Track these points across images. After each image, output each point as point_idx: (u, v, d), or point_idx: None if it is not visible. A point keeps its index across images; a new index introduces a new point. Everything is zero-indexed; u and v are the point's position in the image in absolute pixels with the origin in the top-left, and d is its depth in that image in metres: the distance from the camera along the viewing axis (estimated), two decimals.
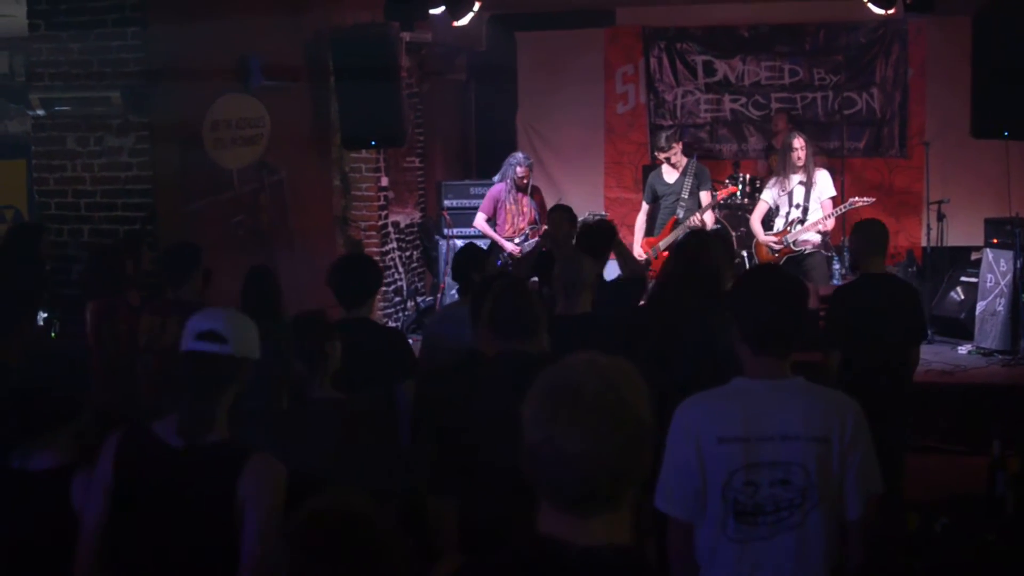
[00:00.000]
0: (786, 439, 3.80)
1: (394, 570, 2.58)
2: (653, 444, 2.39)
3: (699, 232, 8.18)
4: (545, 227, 11.29)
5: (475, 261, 7.46)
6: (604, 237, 8.15)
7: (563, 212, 9.19)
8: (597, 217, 12.52)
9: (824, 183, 10.77)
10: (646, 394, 2.38)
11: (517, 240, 11.40)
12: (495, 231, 11.52)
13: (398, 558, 2.59)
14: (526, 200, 11.44)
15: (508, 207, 11.47)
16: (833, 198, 10.77)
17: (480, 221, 11.63)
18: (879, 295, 7.13)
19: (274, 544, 2.56)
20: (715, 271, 6.35)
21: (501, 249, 11.44)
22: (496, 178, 12.14)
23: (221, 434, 3.79)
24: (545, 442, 2.31)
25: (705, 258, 6.37)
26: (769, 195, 11.00)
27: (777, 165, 11.19)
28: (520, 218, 11.45)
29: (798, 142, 10.67)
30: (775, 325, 3.91)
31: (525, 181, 11.38)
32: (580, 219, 9.92)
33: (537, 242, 11.19)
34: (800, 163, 10.67)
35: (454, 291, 12.39)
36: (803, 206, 10.71)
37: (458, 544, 4.85)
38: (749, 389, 3.91)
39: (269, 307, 6.89)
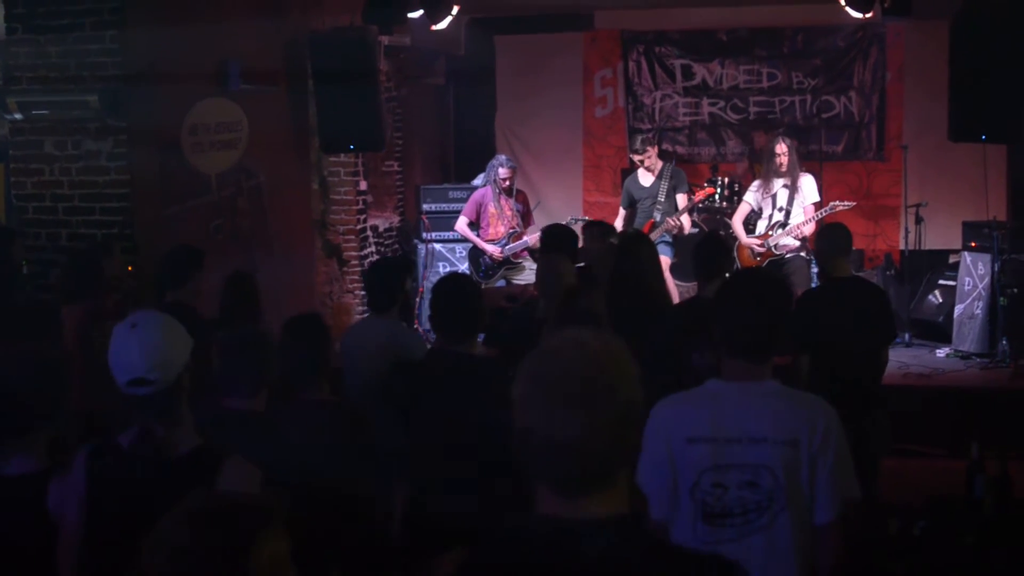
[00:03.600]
0: (754, 441, 3.82)
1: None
2: (643, 422, 2.39)
3: (625, 234, 8.20)
4: (524, 232, 11.34)
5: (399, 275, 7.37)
6: (570, 237, 8.09)
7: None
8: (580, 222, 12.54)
9: (809, 189, 10.82)
10: (634, 372, 2.37)
11: (500, 243, 11.41)
12: (478, 235, 11.54)
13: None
14: (509, 204, 11.46)
15: (491, 211, 11.49)
16: (816, 204, 10.81)
17: (462, 225, 11.64)
18: (845, 299, 7.13)
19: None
20: (641, 272, 6.40)
21: (483, 252, 11.48)
22: (478, 181, 12.16)
23: (192, 442, 3.77)
24: (537, 427, 2.30)
25: (628, 260, 6.43)
26: (752, 197, 11.06)
27: (762, 169, 11.24)
28: (503, 221, 11.45)
29: (780, 148, 10.72)
30: (749, 329, 3.93)
31: (508, 183, 11.41)
32: (566, 223, 9.93)
33: (519, 244, 11.23)
34: (783, 168, 10.72)
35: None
36: (786, 209, 10.75)
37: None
38: (721, 392, 3.95)
39: (249, 311, 6.89)
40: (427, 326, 12.13)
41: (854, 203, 11.25)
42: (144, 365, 3.71)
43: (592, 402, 2.30)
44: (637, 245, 6.69)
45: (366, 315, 8.85)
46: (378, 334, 6.67)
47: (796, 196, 10.74)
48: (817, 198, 10.88)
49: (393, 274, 7.12)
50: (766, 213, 10.93)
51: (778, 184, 10.81)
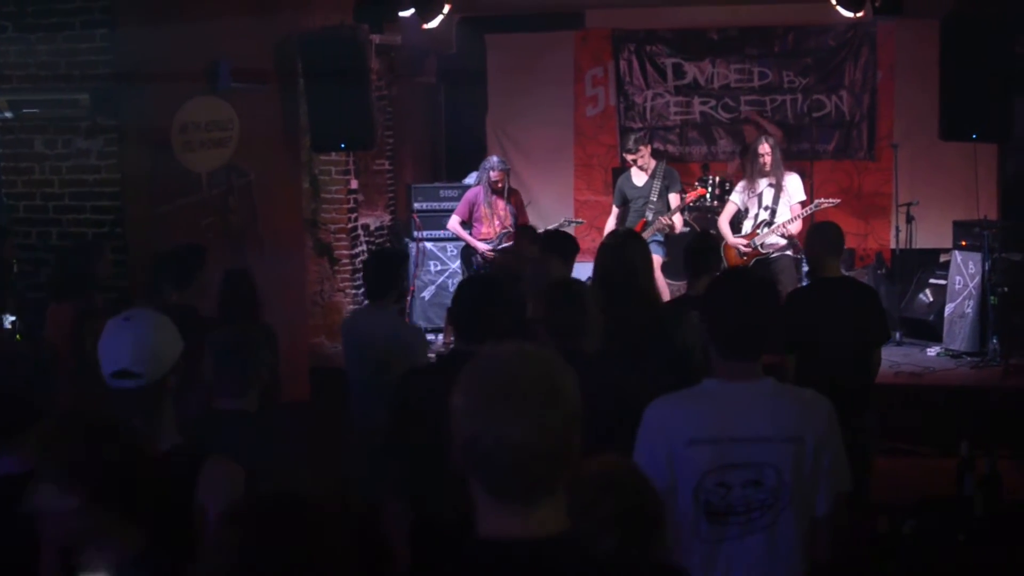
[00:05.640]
0: (758, 440, 3.81)
1: (334, 554, 2.57)
2: (583, 425, 2.36)
3: (617, 232, 8.26)
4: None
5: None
6: (571, 242, 8.13)
7: (527, 232, 9.25)
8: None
9: (794, 187, 10.83)
10: (574, 377, 2.34)
11: (491, 243, 11.42)
12: (470, 234, 11.56)
13: (337, 542, 2.57)
14: (502, 203, 11.48)
15: (483, 211, 11.50)
16: (802, 203, 10.82)
17: (454, 224, 11.68)
18: (833, 299, 7.11)
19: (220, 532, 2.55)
20: (634, 271, 6.41)
21: (474, 251, 11.51)
22: (471, 180, 12.17)
23: (171, 439, 3.76)
24: (485, 433, 2.25)
25: (620, 259, 6.43)
26: (738, 197, 11.07)
27: (746, 169, 11.24)
28: (495, 221, 11.47)
29: (764, 148, 10.73)
30: (744, 328, 3.91)
31: (500, 185, 11.44)
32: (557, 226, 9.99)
33: (510, 244, 11.23)
34: (767, 168, 10.73)
35: (424, 293, 12.49)
36: (772, 208, 10.76)
37: (407, 549, 4.91)
38: (720, 391, 3.91)
39: (247, 310, 6.87)
40: (420, 322, 12.20)
41: (839, 200, 11.27)
42: (131, 358, 3.73)
43: (539, 404, 2.27)
44: (628, 243, 6.69)
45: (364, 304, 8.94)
46: (380, 324, 6.84)
47: (782, 195, 10.75)
48: (803, 196, 10.89)
49: (389, 263, 7.29)
50: (752, 212, 10.94)
51: (763, 183, 10.82)
